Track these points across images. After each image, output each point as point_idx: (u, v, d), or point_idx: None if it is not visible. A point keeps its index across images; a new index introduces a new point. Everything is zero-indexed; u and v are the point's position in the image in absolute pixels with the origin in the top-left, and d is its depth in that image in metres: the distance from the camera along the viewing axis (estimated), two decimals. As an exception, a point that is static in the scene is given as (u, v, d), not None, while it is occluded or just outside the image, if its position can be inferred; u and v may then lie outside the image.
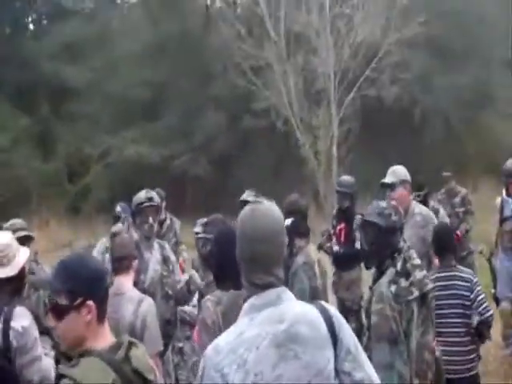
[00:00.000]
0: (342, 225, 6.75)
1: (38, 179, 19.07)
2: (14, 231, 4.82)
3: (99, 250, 6.15)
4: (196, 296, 5.42)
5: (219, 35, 18.85)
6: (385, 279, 3.59)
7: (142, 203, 5.22)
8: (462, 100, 18.75)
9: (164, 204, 7.71)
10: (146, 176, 18.29)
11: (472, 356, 4.47)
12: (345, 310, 6.62)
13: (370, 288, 3.76)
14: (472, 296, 4.42)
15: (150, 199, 5.27)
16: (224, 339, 2.07)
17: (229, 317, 3.22)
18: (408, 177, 5.30)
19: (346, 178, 7.07)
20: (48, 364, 3.37)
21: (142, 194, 5.36)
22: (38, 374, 3.28)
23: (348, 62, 17.64)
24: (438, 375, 3.70)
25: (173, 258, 5.28)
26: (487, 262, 6.65)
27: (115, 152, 19.65)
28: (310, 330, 2.04)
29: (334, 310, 2.17)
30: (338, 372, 2.07)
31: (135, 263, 4.16)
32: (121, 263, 4.08)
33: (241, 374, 1.98)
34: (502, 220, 6.41)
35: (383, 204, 3.79)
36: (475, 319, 4.43)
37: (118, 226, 6.07)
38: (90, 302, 2.20)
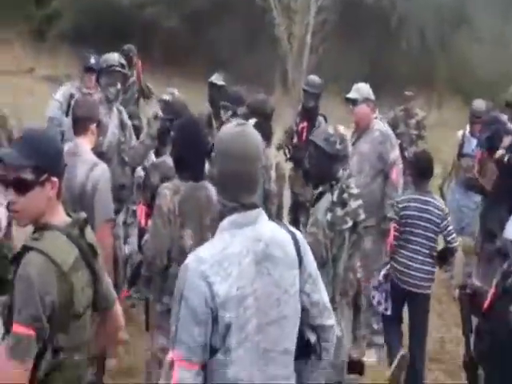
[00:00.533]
0: (305, 123, 6.87)
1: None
2: None
3: (64, 95, 6.17)
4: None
5: None
6: (322, 205, 3.73)
7: (113, 65, 5.18)
8: (439, 16, 18.89)
9: (138, 65, 7.73)
10: (115, 18, 17.87)
11: (430, 276, 4.88)
12: (297, 204, 6.91)
13: (307, 210, 4.01)
14: (442, 225, 4.79)
15: (123, 66, 5.28)
16: (207, 251, 2.12)
17: (185, 207, 3.47)
18: (371, 95, 5.51)
19: (314, 77, 7.15)
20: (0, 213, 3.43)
21: (115, 56, 5.30)
22: None
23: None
24: (357, 293, 4.03)
25: (129, 123, 5.28)
26: (439, 189, 6.96)
27: (87, -16, 18.96)
28: (281, 251, 2.18)
29: (299, 234, 2.30)
30: (300, 292, 2.24)
31: (94, 126, 4.05)
32: (81, 124, 4.00)
33: (225, 286, 2.04)
34: (461, 155, 6.71)
35: (331, 130, 3.94)
36: (439, 245, 4.86)
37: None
38: (55, 178, 2.28)
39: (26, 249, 2.23)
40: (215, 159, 2.21)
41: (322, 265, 3.49)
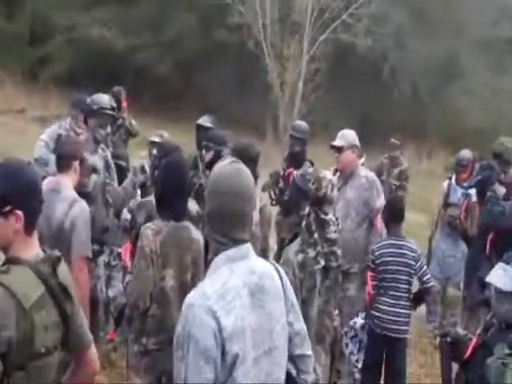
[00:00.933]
0: (291, 169, 6.70)
1: (-2, 36, 18.58)
2: None
3: (51, 134, 6.07)
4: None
5: None
6: (293, 246, 3.76)
7: (105, 108, 5.17)
8: (431, 67, 19.29)
9: (124, 104, 7.69)
10: (108, 62, 18.14)
11: (408, 320, 4.89)
12: (283, 249, 6.71)
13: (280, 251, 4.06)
14: (417, 266, 4.82)
15: (113, 109, 5.28)
16: (210, 287, 2.15)
17: (166, 247, 3.45)
18: (357, 141, 5.49)
19: (301, 123, 7.15)
20: None
21: (106, 99, 5.28)
22: None
23: (328, 1, 17.85)
24: (335, 340, 3.97)
25: (113, 166, 5.27)
26: (428, 240, 6.96)
27: (81, 29, 19.18)
28: (271, 283, 2.27)
29: (281, 269, 2.41)
30: None
31: (77, 164, 4.05)
32: (64, 161, 4.01)
33: (230, 319, 2.09)
34: (447, 204, 6.63)
35: (310, 170, 4.03)
36: (414, 287, 4.85)
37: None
38: (19, 212, 2.19)
39: None
40: (209, 196, 2.26)
41: None
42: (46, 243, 2.42)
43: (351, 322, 4.96)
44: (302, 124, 7.11)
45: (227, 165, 2.29)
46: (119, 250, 5.52)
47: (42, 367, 2.21)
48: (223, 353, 2.06)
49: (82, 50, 18.96)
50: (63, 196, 3.88)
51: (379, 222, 5.39)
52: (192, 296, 2.15)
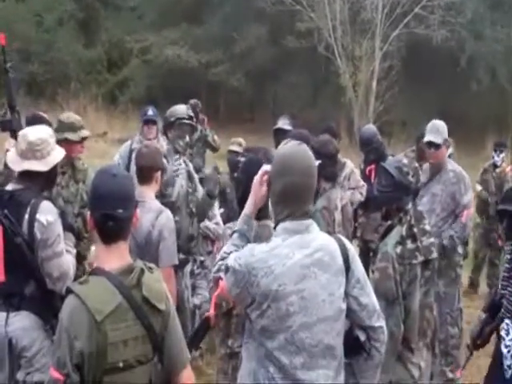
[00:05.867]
0: (372, 166, 6.51)
1: (78, 64, 19.33)
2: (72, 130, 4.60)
3: (122, 153, 6.21)
4: (219, 212, 5.70)
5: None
6: (391, 239, 3.57)
7: (182, 118, 5.19)
8: (510, 54, 18.49)
9: (201, 117, 7.81)
10: (182, 79, 18.54)
11: None
12: (367, 252, 6.28)
13: (375, 246, 3.76)
14: None
15: (191, 118, 5.29)
16: (259, 248, 2.39)
17: None
18: (447, 133, 5.25)
19: (366, 132, 6.71)
20: (68, 261, 3.37)
21: (183, 109, 5.30)
22: (58, 270, 3.27)
23: (398, -5, 17.46)
24: (433, 335, 3.75)
25: (196, 176, 5.31)
26: None
27: (155, 50, 19.85)
28: (329, 258, 2.41)
29: (349, 244, 2.52)
30: (347, 296, 2.47)
31: (158, 174, 4.07)
32: (145, 173, 4.01)
33: (266, 280, 2.32)
34: None
35: (405, 161, 3.81)
36: None
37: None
38: (91, 218, 2.27)
39: (68, 291, 2.21)
40: (276, 176, 2.45)
41: (391, 300, 3.35)
42: (132, 254, 2.39)
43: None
44: (367, 133, 6.70)
45: (291, 145, 2.50)
46: (202, 258, 5.60)
47: (121, 382, 2.16)
48: (254, 301, 2.34)
49: (157, 71, 19.51)
50: (148, 207, 3.89)
51: (465, 217, 5.12)
52: (246, 249, 2.43)
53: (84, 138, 4.69)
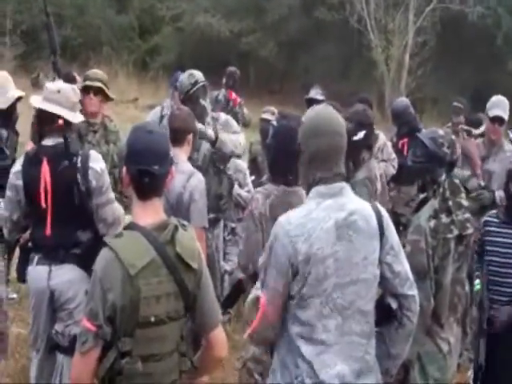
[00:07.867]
0: (405, 139, 6.37)
1: (110, 30, 19.37)
2: (94, 80, 4.69)
3: (152, 119, 5.81)
4: (250, 180, 5.71)
5: None
6: (425, 213, 3.47)
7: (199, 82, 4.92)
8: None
9: (233, 96, 7.61)
10: (213, 48, 18.47)
11: None
12: (397, 226, 6.13)
13: (406, 219, 3.76)
14: None
15: (196, 82, 4.93)
16: (295, 215, 2.40)
17: (276, 211, 3.28)
18: None
19: (399, 105, 6.52)
20: (120, 208, 3.46)
21: (198, 74, 4.98)
22: (112, 215, 3.37)
23: (435, -31, 17.15)
24: (465, 312, 3.66)
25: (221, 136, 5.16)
26: None
27: (187, 18, 19.82)
28: (364, 222, 2.40)
29: (384, 211, 2.49)
30: (380, 262, 2.44)
31: (191, 137, 4.08)
32: (178, 135, 3.99)
33: (306, 245, 2.32)
34: None
35: (441, 132, 3.71)
36: None
37: None
38: (126, 173, 2.26)
39: (103, 244, 2.20)
40: (307, 138, 2.45)
41: (422, 274, 3.25)
42: (166, 213, 2.38)
43: None
44: (398, 108, 6.49)
45: (319, 108, 2.55)
46: (233, 225, 5.62)
47: (153, 337, 2.17)
48: (297, 272, 2.33)
49: (188, 38, 19.45)
50: (180, 169, 3.88)
51: None
52: (281, 218, 2.43)
53: (100, 89, 4.68)
